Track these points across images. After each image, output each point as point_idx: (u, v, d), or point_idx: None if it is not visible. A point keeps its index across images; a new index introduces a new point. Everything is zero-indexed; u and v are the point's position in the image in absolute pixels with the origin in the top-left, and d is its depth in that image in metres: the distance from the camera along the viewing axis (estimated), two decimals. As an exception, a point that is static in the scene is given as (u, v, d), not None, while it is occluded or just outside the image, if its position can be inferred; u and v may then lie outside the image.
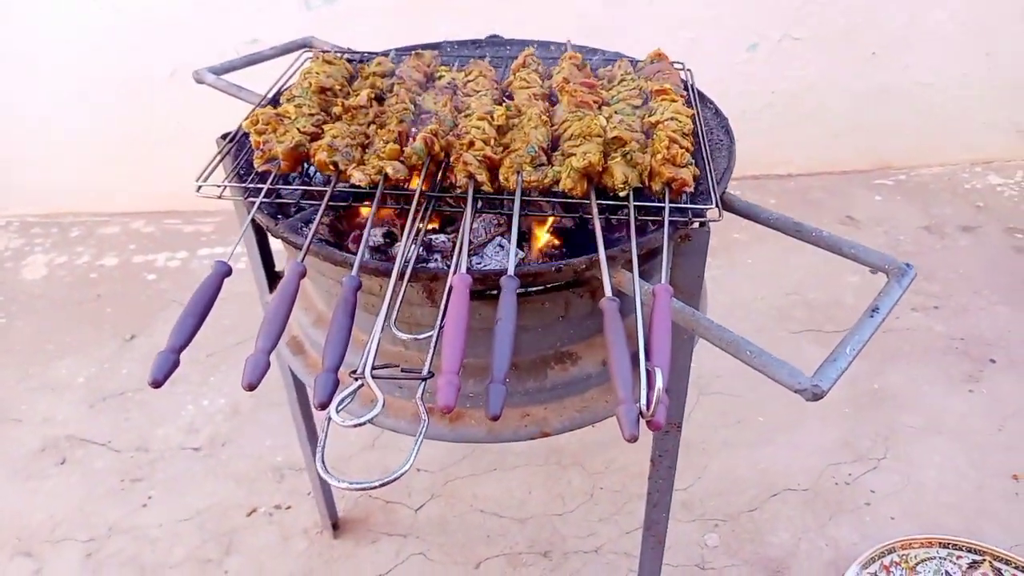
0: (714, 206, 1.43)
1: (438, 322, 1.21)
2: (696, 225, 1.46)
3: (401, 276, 1.30)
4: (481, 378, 1.56)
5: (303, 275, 1.25)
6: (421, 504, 2.68)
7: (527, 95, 1.65)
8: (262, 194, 1.44)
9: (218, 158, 1.58)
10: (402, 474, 0.92)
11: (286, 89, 1.74)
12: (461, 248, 1.30)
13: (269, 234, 1.54)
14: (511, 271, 1.23)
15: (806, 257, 3.71)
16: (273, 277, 1.97)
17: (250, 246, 1.89)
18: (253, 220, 1.44)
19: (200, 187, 1.47)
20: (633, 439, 0.99)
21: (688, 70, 1.90)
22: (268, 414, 3.03)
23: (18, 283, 3.89)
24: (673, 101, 1.62)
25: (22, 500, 2.72)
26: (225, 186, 1.50)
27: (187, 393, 3.15)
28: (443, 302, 1.22)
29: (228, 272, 1.26)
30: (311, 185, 1.63)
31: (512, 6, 3.72)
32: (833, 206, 4.28)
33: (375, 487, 0.91)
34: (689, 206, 1.43)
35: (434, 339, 1.19)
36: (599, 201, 1.42)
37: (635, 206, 1.41)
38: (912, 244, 3.94)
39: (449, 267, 1.38)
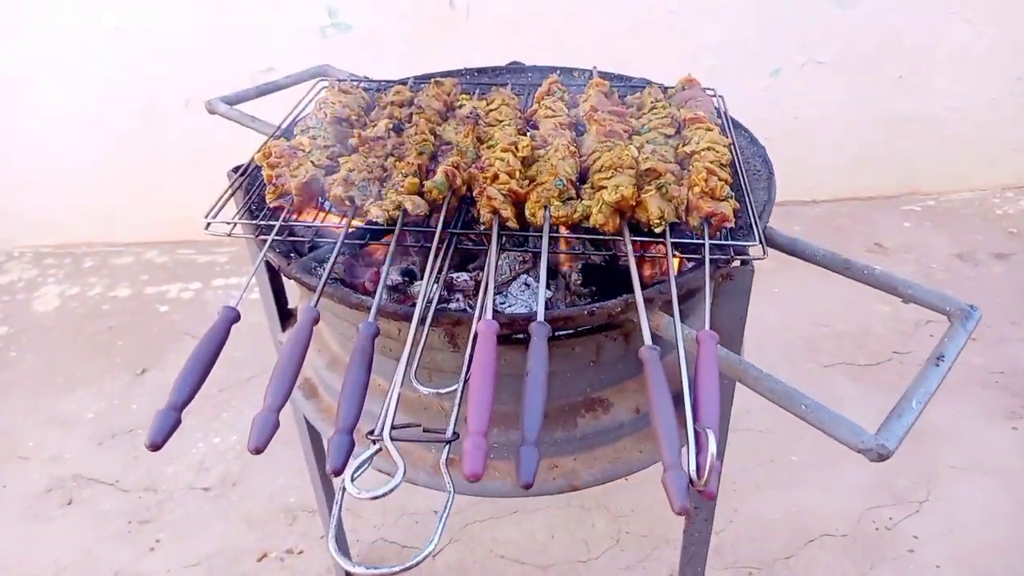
0: (757, 243, 1.33)
1: (463, 374, 1.11)
2: (737, 263, 1.36)
3: (422, 321, 1.21)
4: (506, 426, 1.46)
5: (316, 321, 1.16)
6: (439, 549, 2.56)
7: (553, 124, 1.57)
8: (274, 232, 1.35)
9: (228, 193, 1.50)
10: (425, 557, 0.82)
11: (300, 120, 1.66)
12: (486, 291, 1.20)
13: (281, 274, 1.46)
14: (541, 316, 1.13)
15: (833, 286, 3.58)
16: (286, 315, 1.89)
17: (261, 283, 1.81)
18: (265, 259, 1.36)
19: (209, 224, 1.39)
20: (683, 512, 0.89)
21: (720, 96, 1.81)
22: (281, 451, 2.90)
23: (30, 315, 3.84)
24: (708, 130, 1.52)
25: (27, 543, 2.63)
26: (235, 223, 1.41)
27: (197, 430, 3.06)
28: (467, 350, 1.13)
29: (236, 318, 1.17)
30: (326, 221, 1.54)
31: (529, 32, 3.66)
32: (860, 233, 4.16)
33: (396, 573, 0.81)
34: (730, 243, 1.33)
35: (459, 394, 1.09)
36: (633, 238, 1.32)
37: (672, 243, 1.31)
38: (944, 272, 3.80)
39: (472, 309, 1.29)
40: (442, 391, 1.13)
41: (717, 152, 1.44)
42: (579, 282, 1.52)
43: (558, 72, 2.02)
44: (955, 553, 2.49)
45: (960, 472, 2.79)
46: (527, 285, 1.48)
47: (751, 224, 1.39)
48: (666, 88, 1.82)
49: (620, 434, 1.51)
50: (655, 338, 1.13)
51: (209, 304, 3.79)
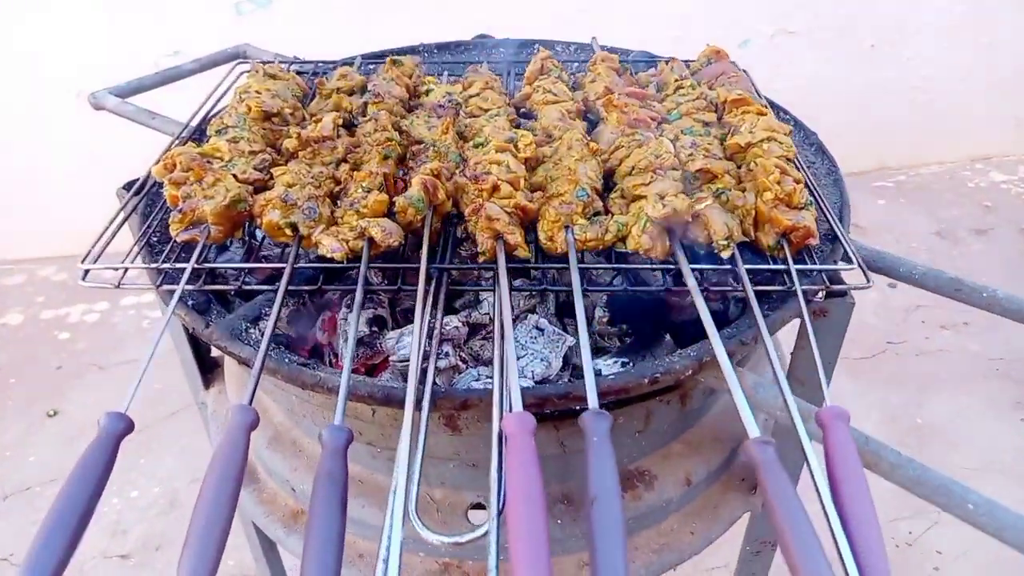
0: (855, 265, 0.99)
1: (494, 500, 0.72)
2: (822, 295, 1.02)
3: (417, 403, 0.82)
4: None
5: (255, 426, 0.76)
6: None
7: (558, 113, 1.19)
8: (184, 279, 0.94)
9: (116, 222, 1.07)
10: None
11: (215, 116, 1.24)
12: (505, 364, 0.82)
13: (199, 339, 1.04)
14: (594, 400, 0.76)
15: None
16: (209, 367, 1.46)
17: (175, 334, 1.38)
18: (176, 316, 0.94)
19: (87, 272, 0.97)
20: None
21: (745, 72, 1.46)
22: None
23: (-100, 351, 3.25)
24: (760, 114, 1.17)
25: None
26: (127, 268, 0.99)
27: (111, 482, 2.57)
28: (494, 460, 0.75)
29: (128, 430, 0.76)
30: (257, 257, 1.13)
31: (479, 5, 3.25)
32: (833, 213, 3.93)
33: None
34: (822, 267, 0.99)
35: (493, 538, 0.70)
36: (695, 266, 0.96)
37: (749, 270, 0.96)
38: (926, 252, 3.60)
39: (487, 387, 0.92)
40: (462, 540, 0.74)
41: (781, 144, 1.09)
42: (605, 319, 1.15)
43: (535, 46, 1.64)
44: (983, 569, 2.26)
45: (974, 474, 2.57)
46: (539, 330, 1.11)
47: (834, 238, 1.05)
48: (688, 63, 1.45)
49: (667, 512, 1.16)
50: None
51: (119, 329, 3.27)
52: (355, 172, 1.07)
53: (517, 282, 1.15)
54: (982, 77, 3.93)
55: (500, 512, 0.71)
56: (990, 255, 3.61)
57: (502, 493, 0.72)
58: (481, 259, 1.00)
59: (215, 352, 1.49)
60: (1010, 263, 3.55)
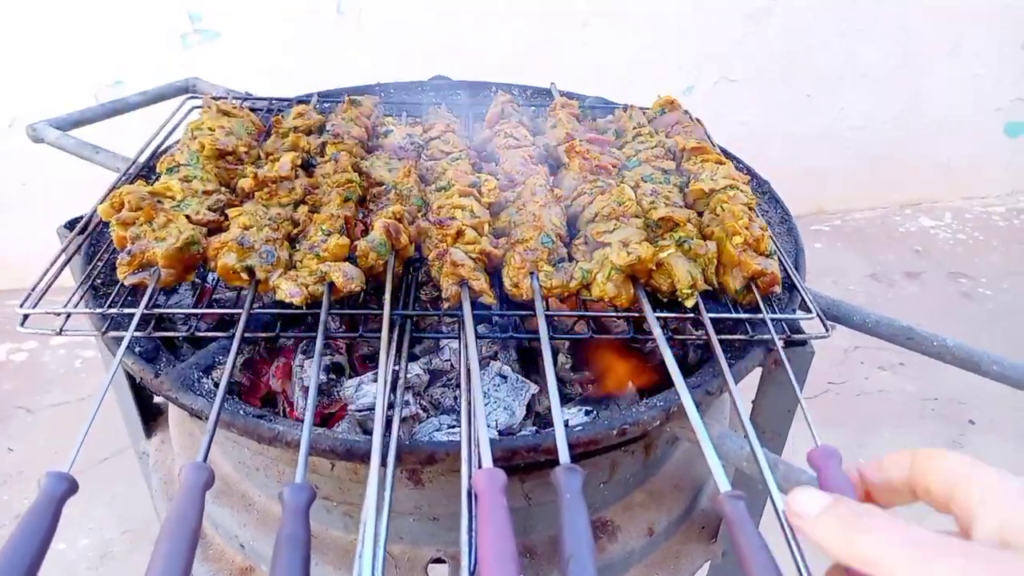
0: (815, 315, 1.00)
1: (465, 565, 0.69)
2: (780, 344, 1.03)
3: (383, 459, 0.79)
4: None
5: (210, 484, 0.72)
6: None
7: (521, 157, 1.19)
8: (132, 327, 0.89)
9: (57, 264, 1.01)
10: None
11: (165, 153, 1.20)
12: (472, 417, 0.80)
13: (148, 390, 0.99)
14: (565, 456, 0.74)
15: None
16: (151, 414, 1.39)
17: (116, 379, 1.31)
18: (121, 365, 0.89)
19: (26, 318, 0.91)
20: None
21: (698, 121, 1.49)
22: (148, 557, 2.35)
23: None
24: (720, 163, 1.19)
25: None
26: (70, 314, 0.94)
27: (36, 534, 2.42)
28: (465, 520, 0.72)
29: (71, 491, 0.71)
30: (209, 302, 1.09)
31: (428, 43, 3.26)
32: (774, 255, 4.04)
33: None
34: (780, 316, 1.00)
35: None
36: (660, 314, 0.96)
37: (711, 319, 0.96)
38: (863, 295, 3.72)
39: (451, 438, 0.89)
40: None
41: (743, 192, 1.11)
42: (568, 365, 1.14)
43: (494, 89, 1.65)
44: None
45: (919, 515, 2.63)
46: (502, 377, 1.09)
47: (791, 286, 1.07)
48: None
49: (629, 564, 1.14)
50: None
51: (48, 368, 3.11)
52: (314, 214, 1.04)
53: (480, 328, 1.13)
54: (911, 126, 4.13)
55: (472, 573, 0.68)
56: (922, 297, 3.75)
57: (473, 552, 0.69)
58: (445, 305, 0.98)
59: (158, 399, 1.42)
60: (941, 305, 3.70)
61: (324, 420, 1.07)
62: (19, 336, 3.28)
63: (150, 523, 2.58)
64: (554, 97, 1.46)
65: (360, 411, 1.03)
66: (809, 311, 1.01)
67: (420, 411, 1.06)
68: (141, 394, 1.35)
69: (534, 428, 1.05)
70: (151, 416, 1.39)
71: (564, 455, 0.74)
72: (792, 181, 4.01)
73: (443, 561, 1.05)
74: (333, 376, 1.09)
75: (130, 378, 1.30)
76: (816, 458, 0.75)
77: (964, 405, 3.10)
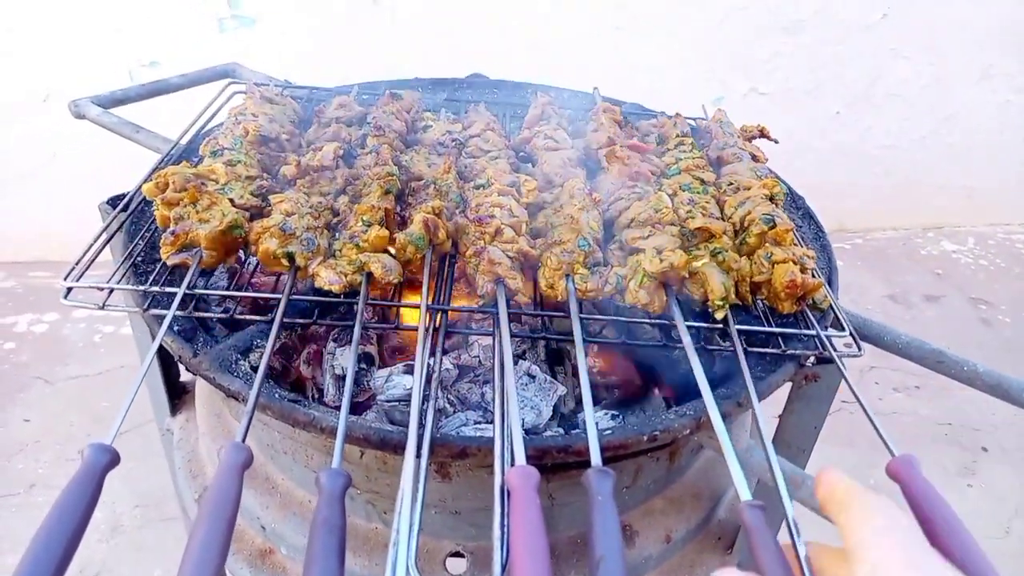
0: (847, 333, 1.00)
1: (497, 560, 0.70)
2: (812, 361, 1.04)
3: (417, 451, 0.80)
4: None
5: (248, 465, 0.73)
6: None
7: (560, 160, 1.20)
8: (174, 306, 0.90)
9: (100, 240, 1.03)
10: None
11: (209, 136, 1.21)
12: (504, 412, 0.81)
13: (187, 369, 1.00)
14: (596, 458, 0.75)
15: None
16: (177, 392, 1.41)
17: (142, 350, 1.33)
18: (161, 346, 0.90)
19: (70, 290, 0.93)
20: None
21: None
22: (158, 532, 2.39)
23: None
24: (759, 177, 1.20)
25: None
26: (112, 289, 0.95)
27: (48, 503, 2.45)
28: (498, 517, 0.73)
29: (113, 463, 0.73)
30: (246, 285, 1.10)
31: (460, 39, 3.27)
32: (793, 270, 4.02)
33: None
34: (802, 332, 1.00)
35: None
36: (691, 323, 0.97)
37: (740, 330, 0.96)
38: (881, 315, 3.70)
39: (480, 434, 0.90)
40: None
41: (780, 206, 1.11)
42: (596, 369, 1.15)
43: (533, 91, 1.66)
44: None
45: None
46: (530, 377, 1.10)
47: (832, 308, 1.07)
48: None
49: (645, 569, 1.15)
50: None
51: (69, 341, 3.14)
52: (355, 205, 1.06)
53: (511, 327, 1.14)
54: (938, 148, 4.10)
55: (504, 569, 0.69)
56: (942, 321, 3.73)
57: (505, 548, 0.70)
58: (480, 302, 0.99)
59: (185, 377, 1.44)
60: (959, 329, 3.67)
61: (351, 409, 1.08)
62: (41, 308, 3.32)
63: (162, 499, 2.61)
64: (594, 101, 1.46)
65: (389, 402, 1.05)
66: (842, 329, 1.01)
67: (447, 405, 1.07)
68: (169, 372, 1.37)
69: (560, 429, 1.06)
70: (177, 394, 1.40)
71: (596, 457, 0.75)
72: (816, 197, 4.00)
73: (462, 555, 1.05)
74: (363, 366, 1.10)
75: (160, 356, 1.31)
76: (896, 467, 0.74)
77: (978, 432, 3.08)
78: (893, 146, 4.04)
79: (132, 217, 1.12)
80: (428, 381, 0.90)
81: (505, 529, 0.72)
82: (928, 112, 3.95)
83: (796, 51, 3.65)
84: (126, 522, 2.43)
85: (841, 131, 3.94)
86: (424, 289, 0.95)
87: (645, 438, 0.86)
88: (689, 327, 0.95)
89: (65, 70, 3.11)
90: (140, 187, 1.09)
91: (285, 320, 0.92)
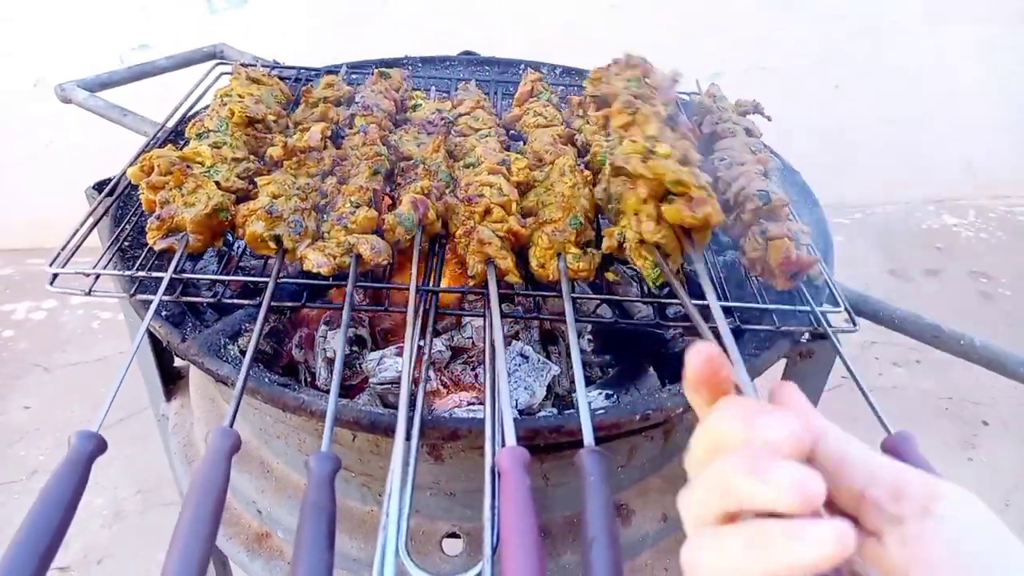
0: (842, 309, 0.99)
1: (487, 542, 0.70)
2: (807, 336, 1.02)
3: (407, 434, 0.79)
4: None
5: (236, 449, 0.72)
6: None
7: (550, 137, 1.18)
8: (161, 290, 0.89)
9: (87, 224, 1.02)
10: None
11: (195, 118, 1.19)
12: (497, 396, 0.80)
13: (175, 354, 0.99)
14: (589, 438, 0.74)
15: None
16: (171, 378, 1.40)
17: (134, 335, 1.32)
18: (149, 331, 0.89)
19: (56, 276, 0.92)
20: None
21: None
22: (161, 517, 2.39)
23: None
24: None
25: None
26: (99, 274, 0.94)
27: (51, 490, 2.46)
28: (489, 497, 0.72)
29: (99, 450, 0.72)
30: (234, 269, 1.09)
31: (453, 18, 3.24)
32: (793, 246, 4.00)
33: None
34: (798, 308, 0.99)
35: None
36: (696, 301, 0.95)
37: (729, 307, 0.95)
38: (881, 290, 3.68)
39: (472, 415, 0.89)
40: (455, 581, 0.71)
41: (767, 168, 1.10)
42: (590, 349, 1.14)
43: (523, 67, 1.64)
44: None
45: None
46: (523, 357, 1.09)
47: (827, 283, 1.06)
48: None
49: (642, 547, 1.14)
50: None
51: (67, 328, 3.14)
52: (343, 186, 1.04)
53: (503, 307, 1.13)
54: (939, 121, 4.06)
55: (494, 551, 0.68)
56: (942, 295, 3.71)
57: (496, 529, 0.70)
58: (470, 283, 0.98)
59: (178, 363, 1.43)
60: (960, 304, 3.66)
61: (344, 392, 1.08)
62: (39, 295, 3.32)
63: (163, 484, 2.61)
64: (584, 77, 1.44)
65: (381, 384, 1.04)
66: (837, 304, 1.00)
67: (440, 387, 1.06)
68: (162, 357, 1.36)
69: (554, 409, 1.05)
70: (171, 379, 1.40)
71: (589, 437, 0.74)
72: (816, 170, 3.98)
73: (457, 536, 1.05)
74: (355, 348, 1.09)
75: (153, 341, 1.31)
76: (893, 444, 0.73)
77: (979, 405, 3.08)
78: (894, 120, 4.00)
79: (119, 202, 1.11)
80: (420, 363, 0.90)
81: (496, 510, 0.71)
82: (929, 85, 3.91)
83: (796, 26, 3.60)
84: (128, 507, 2.44)
85: (840, 106, 3.90)
86: (413, 270, 0.93)
87: (638, 417, 0.85)
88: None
89: (55, 56, 3.08)
90: (125, 171, 1.08)
91: (273, 303, 0.91)
